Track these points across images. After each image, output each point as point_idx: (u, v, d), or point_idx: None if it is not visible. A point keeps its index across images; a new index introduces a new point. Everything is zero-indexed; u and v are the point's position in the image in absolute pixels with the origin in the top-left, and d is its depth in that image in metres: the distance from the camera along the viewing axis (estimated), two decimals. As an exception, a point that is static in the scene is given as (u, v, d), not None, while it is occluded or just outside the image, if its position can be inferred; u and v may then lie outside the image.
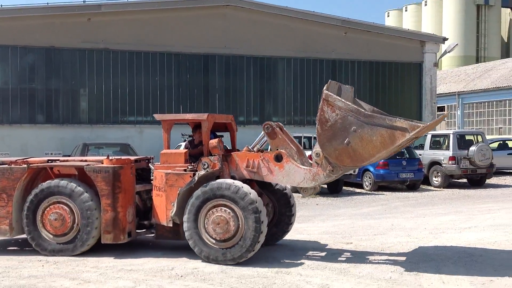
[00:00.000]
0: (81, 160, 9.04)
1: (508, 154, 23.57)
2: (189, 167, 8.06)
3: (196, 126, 8.84)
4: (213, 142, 8.00)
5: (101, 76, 21.47)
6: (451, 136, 18.88)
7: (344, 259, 7.92)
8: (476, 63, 56.65)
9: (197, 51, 22.61)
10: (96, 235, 8.22)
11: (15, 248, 9.04)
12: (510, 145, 24.66)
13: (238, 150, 8.89)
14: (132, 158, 8.93)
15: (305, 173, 7.67)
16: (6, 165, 8.62)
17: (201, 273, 7.20)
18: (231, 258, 7.54)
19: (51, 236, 8.30)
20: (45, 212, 8.30)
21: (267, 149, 8.34)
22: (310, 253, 8.33)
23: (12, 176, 8.48)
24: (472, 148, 18.26)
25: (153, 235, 8.66)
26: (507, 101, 38.58)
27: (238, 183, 7.66)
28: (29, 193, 8.47)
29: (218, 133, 9.24)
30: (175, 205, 7.85)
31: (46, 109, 21.09)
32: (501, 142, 25.10)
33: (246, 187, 7.59)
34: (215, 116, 8.59)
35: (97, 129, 21.29)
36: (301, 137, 18.35)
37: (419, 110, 25.60)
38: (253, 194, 7.55)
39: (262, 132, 8.10)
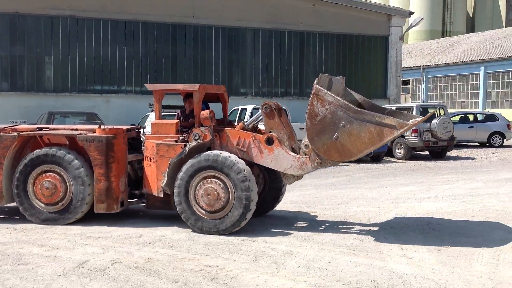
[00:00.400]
0: (72, 129, 8.93)
1: (469, 127, 24.24)
2: (180, 137, 8.06)
3: (187, 96, 8.80)
4: (205, 113, 7.95)
5: (67, 44, 21.12)
6: (414, 109, 19.31)
7: (308, 227, 8.18)
8: (442, 37, 57.45)
9: (165, 20, 22.41)
10: (89, 202, 8.20)
11: (-19, 216, 9.03)
12: (471, 119, 25.34)
13: (230, 122, 8.96)
14: (124, 127, 8.85)
15: (293, 161, 7.68)
16: None
17: (169, 240, 7.35)
18: (224, 228, 7.62)
19: (43, 205, 8.25)
20: (36, 181, 8.22)
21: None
22: (275, 221, 8.57)
23: (1, 144, 8.33)
24: (434, 121, 18.72)
25: (144, 204, 8.69)
26: (470, 75, 39.42)
27: (226, 153, 7.68)
28: (19, 162, 8.37)
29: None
30: (166, 175, 7.86)
31: (10, 76, 20.70)
32: (463, 115, 25.75)
33: (234, 157, 7.62)
34: (207, 86, 8.55)
35: (62, 97, 21.03)
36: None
37: (384, 83, 26.00)
38: (241, 163, 7.57)
39: (260, 111, 8.06)
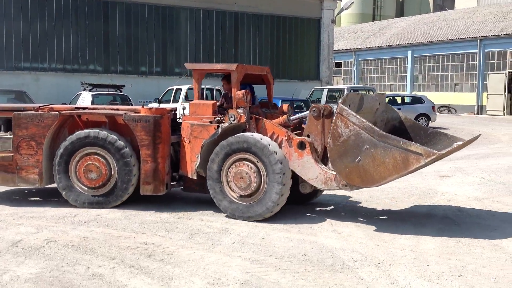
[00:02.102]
0: (111, 109, 8.60)
1: (397, 109, 25.13)
2: (216, 118, 7.73)
3: (225, 77, 8.44)
4: (239, 93, 7.58)
5: (-7, 19, 20.30)
6: (345, 91, 19.88)
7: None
8: (373, 21, 58.82)
9: (97, -4, 21.91)
10: (134, 184, 7.90)
11: None
12: (398, 101, 26.29)
13: (275, 105, 8.62)
14: (168, 108, 8.52)
15: (319, 173, 7.18)
16: (34, 111, 8.11)
17: (104, 219, 7.36)
18: (248, 216, 7.34)
19: (86, 188, 7.95)
20: (79, 163, 7.92)
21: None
22: (208, 202, 8.72)
23: (42, 123, 7.99)
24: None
25: (182, 188, 8.42)
26: (398, 59, 40.74)
27: (265, 140, 7.30)
28: (56, 142, 8.06)
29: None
30: (199, 157, 7.65)
31: None
32: (391, 98, 26.68)
33: (273, 145, 7.25)
34: (246, 67, 8.17)
35: (-12, 74, 20.25)
36: (203, 88, 18.52)
37: (317, 65, 26.52)
38: (279, 153, 7.22)
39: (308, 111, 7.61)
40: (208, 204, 8.29)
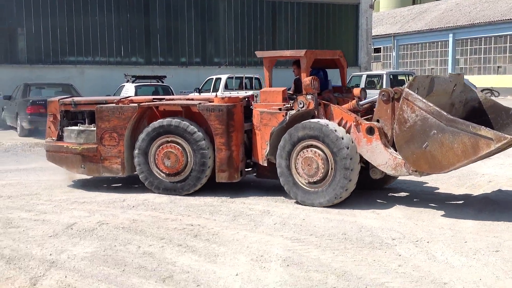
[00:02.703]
0: (187, 99, 8.98)
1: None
2: (285, 105, 7.75)
3: (296, 62, 8.31)
4: (307, 80, 7.56)
5: (39, 15, 21.02)
6: (384, 76, 19.79)
7: (282, 190, 8.60)
8: (413, 5, 57.89)
9: (137, -10, 22.40)
10: (209, 174, 8.18)
11: (-34, 185, 9.26)
12: (439, 85, 26.03)
13: (349, 89, 8.58)
14: (241, 96, 8.77)
15: (389, 159, 7.02)
16: (115, 104, 8.55)
17: (152, 203, 7.71)
18: (318, 202, 7.36)
19: (163, 175, 8.27)
20: (158, 150, 8.24)
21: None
22: (252, 184, 8.99)
23: (123, 115, 8.40)
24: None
25: (255, 174, 8.58)
26: (439, 42, 40.10)
27: (332, 125, 7.25)
28: (137, 132, 8.47)
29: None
30: (269, 144, 7.75)
31: (-17, 49, 20.58)
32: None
33: (339, 131, 7.19)
34: (316, 52, 8.18)
35: (36, 69, 21.00)
36: (242, 77, 18.81)
37: (355, 51, 26.42)
38: (346, 138, 7.15)
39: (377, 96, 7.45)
40: (251, 188, 8.55)
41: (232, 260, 5.32)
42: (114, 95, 16.19)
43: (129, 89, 17.23)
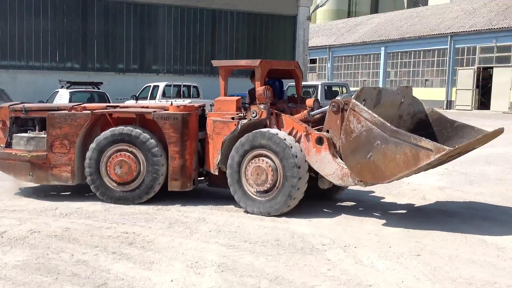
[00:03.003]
0: (142, 107, 8.82)
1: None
2: (238, 114, 7.83)
3: (253, 73, 8.31)
4: (260, 89, 7.61)
5: (-31, 17, 20.32)
6: (319, 86, 20.38)
7: (220, 197, 8.75)
8: (348, 17, 59.54)
9: (74, -6, 22.03)
10: (162, 181, 8.06)
11: None
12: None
13: (304, 99, 8.56)
14: (196, 105, 8.69)
15: (337, 169, 7.12)
16: (67, 111, 8.31)
17: (85, 211, 7.65)
18: (266, 212, 7.41)
19: (115, 184, 8.11)
20: (110, 160, 8.06)
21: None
22: (189, 194, 9.04)
23: (75, 122, 8.19)
24: (338, 98, 19.80)
25: (207, 183, 8.57)
26: (372, 55, 41.45)
27: (282, 134, 7.36)
28: (89, 140, 8.23)
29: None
30: (220, 153, 7.76)
31: None
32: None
33: (289, 140, 7.30)
34: (271, 62, 8.23)
35: (-36, 72, 20.28)
36: (180, 85, 18.83)
37: (292, 62, 26.87)
38: (294, 149, 7.24)
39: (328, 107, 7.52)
40: (187, 197, 8.60)
41: (168, 267, 5.41)
42: (47, 101, 15.87)
43: (63, 95, 16.92)
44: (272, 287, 4.89)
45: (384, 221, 7.15)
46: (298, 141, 7.37)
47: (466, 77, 34.73)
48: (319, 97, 19.92)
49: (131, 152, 8.06)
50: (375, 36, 41.81)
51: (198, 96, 19.02)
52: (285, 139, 7.25)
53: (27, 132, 8.88)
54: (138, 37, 23.34)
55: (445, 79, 36.16)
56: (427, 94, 36.81)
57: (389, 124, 6.52)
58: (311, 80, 39.76)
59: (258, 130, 7.49)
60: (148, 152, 7.99)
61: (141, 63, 23.33)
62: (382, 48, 40.42)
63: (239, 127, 7.62)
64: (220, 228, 6.83)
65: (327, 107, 7.43)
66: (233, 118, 7.80)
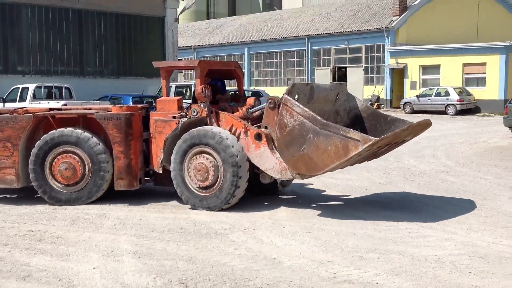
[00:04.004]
0: (85, 108, 8.60)
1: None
2: (180, 113, 7.99)
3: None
4: (199, 88, 7.85)
5: None
6: (193, 86, 20.95)
7: (117, 194, 9.02)
8: (207, 18, 60.61)
9: None
10: (109, 180, 8.03)
11: None
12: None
13: (245, 96, 8.45)
14: (139, 106, 8.65)
15: (275, 164, 7.34)
16: (9, 114, 8.00)
17: (-21, 214, 7.63)
18: (207, 207, 7.65)
19: (62, 186, 7.99)
20: (53, 163, 7.93)
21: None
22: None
23: (17, 125, 7.99)
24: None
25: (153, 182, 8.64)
26: (236, 55, 42.82)
27: (224, 133, 7.56)
28: (32, 143, 7.98)
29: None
30: (163, 151, 7.88)
31: None
32: (232, 93, 28.32)
33: (231, 139, 7.51)
34: (210, 62, 8.52)
35: None
36: (52, 86, 18.43)
37: (162, 63, 27.09)
38: (235, 147, 7.44)
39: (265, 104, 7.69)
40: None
41: (85, 257, 5.74)
42: None
43: None
44: (189, 266, 5.44)
45: (275, 207, 7.96)
46: (238, 137, 7.65)
47: (324, 76, 37.28)
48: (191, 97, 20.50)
49: (75, 153, 8.12)
50: (238, 37, 43.23)
51: (71, 97, 18.68)
52: (227, 138, 7.51)
53: None
54: (1, 38, 22.19)
55: (305, 78, 38.46)
56: (289, 93, 38.80)
57: (319, 117, 6.81)
58: (181, 80, 40.20)
59: (198, 128, 7.74)
60: (91, 150, 8.09)
61: (5, 64, 22.23)
62: (246, 49, 41.95)
63: (180, 125, 7.90)
64: (124, 222, 7.22)
65: (265, 104, 7.71)
66: (174, 117, 8.05)
